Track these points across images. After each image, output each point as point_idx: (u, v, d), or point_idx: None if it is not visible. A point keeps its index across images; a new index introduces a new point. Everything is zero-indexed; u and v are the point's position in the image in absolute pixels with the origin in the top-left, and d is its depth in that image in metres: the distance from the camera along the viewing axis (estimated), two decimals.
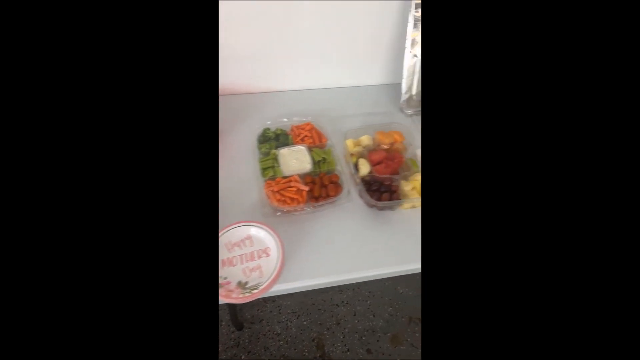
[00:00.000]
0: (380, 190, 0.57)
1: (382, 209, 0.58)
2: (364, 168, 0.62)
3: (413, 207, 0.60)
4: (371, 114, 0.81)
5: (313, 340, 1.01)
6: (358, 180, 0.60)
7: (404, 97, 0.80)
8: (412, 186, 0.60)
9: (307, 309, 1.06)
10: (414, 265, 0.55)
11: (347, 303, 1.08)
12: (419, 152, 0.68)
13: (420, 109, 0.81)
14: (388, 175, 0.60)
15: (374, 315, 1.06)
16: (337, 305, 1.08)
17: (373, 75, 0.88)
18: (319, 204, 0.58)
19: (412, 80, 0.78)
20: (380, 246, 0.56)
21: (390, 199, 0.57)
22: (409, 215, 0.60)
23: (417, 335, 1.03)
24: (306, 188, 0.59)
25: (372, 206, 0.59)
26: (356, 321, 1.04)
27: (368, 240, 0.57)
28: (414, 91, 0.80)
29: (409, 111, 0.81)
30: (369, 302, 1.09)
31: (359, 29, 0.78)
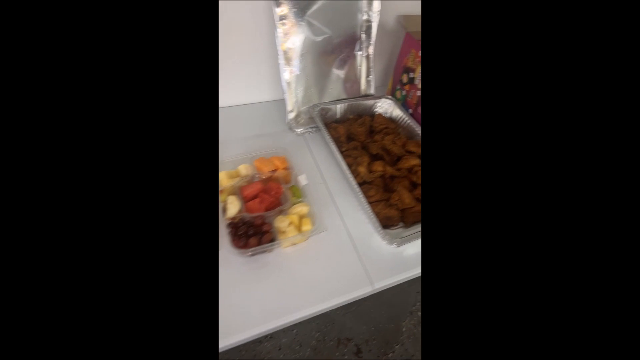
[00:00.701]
0: (247, 235, 0.49)
1: (254, 254, 0.51)
2: (233, 207, 0.53)
3: (293, 244, 0.54)
4: (258, 136, 0.73)
5: None
6: (225, 224, 0.52)
7: (290, 115, 0.73)
8: (289, 221, 0.53)
9: (225, 353, 0.95)
10: (307, 311, 0.49)
11: (270, 337, 1.00)
12: (301, 178, 0.62)
13: (312, 125, 0.76)
14: (260, 214, 0.52)
15: (300, 345, 0.99)
16: (260, 341, 0.99)
17: (261, 91, 0.80)
18: None
19: (295, 96, 0.72)
20: (257, 299, 0.48)
21: (260, 243, 0.49)
22: (288, 256, 0.53)
23: (345, 357, 0.98)
24: None
25: (242, 254, 0.51)
26: (281, 356, 0.96)
27: (244, 295, 0.49)
28: (302, 107, 0.74)
29: (299, 129, 0.75)
30: (294, 331, 1.02)
31: (235, 44, 0.70)
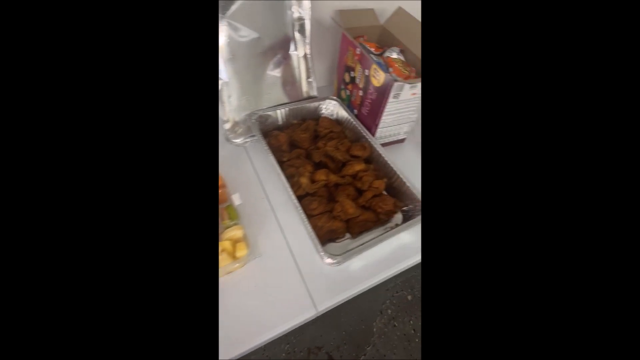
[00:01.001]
0: None
1: None
2: None
3: (228, 273, 0.49)
4: None
5: None
6: None
7: (226, 125, 0.68)
8: (221, 248, 0.49)
9: None
10: (245, 346, 0.45)
11: None
12: (235, 197, 0.57)
13: (253, 134, 0.70)
14: None
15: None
16: None
17: None
18: None
19: (229, 104, 0.67)
20: None
21: None
22: (224, 286, 0.48)
23: None
24: None
25: None
26: None
27: None
28: (237, 117, 0.69)
29: (238, 140, 0.69)
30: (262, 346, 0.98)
31: None
